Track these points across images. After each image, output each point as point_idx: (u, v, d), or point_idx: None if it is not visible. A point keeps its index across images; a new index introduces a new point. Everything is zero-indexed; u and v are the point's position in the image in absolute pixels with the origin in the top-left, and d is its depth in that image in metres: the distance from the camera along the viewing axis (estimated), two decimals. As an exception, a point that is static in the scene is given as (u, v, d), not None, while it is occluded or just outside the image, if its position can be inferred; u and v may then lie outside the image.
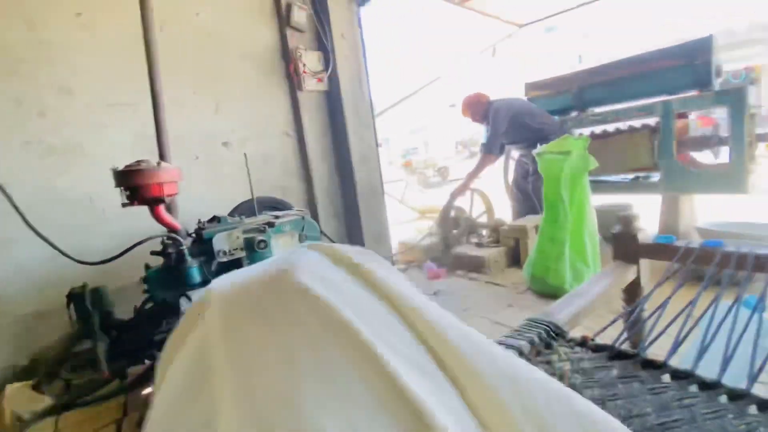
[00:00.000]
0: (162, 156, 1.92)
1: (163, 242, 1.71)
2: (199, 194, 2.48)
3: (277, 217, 1.84)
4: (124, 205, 1.55)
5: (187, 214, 2.35)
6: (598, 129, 3.19)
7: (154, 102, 1.89)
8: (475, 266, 2.96)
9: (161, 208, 1.64)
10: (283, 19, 2.74)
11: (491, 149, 3.21)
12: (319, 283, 0.44)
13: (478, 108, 3.30)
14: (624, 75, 2.98)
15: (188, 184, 2.41)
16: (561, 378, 0.76)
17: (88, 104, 2.17)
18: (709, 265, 1.05)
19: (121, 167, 1.53)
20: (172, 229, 1.72)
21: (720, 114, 4.20)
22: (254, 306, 0.43)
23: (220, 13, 2.54)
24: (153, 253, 1.74)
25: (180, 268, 1.66)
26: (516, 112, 3.08)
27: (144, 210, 1.61)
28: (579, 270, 2.27)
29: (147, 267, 1.74)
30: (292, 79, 2.82)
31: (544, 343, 0.88)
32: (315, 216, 2.92)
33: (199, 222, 1.76)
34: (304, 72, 2.77)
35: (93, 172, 2.16)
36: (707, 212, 3.83)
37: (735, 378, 0.98)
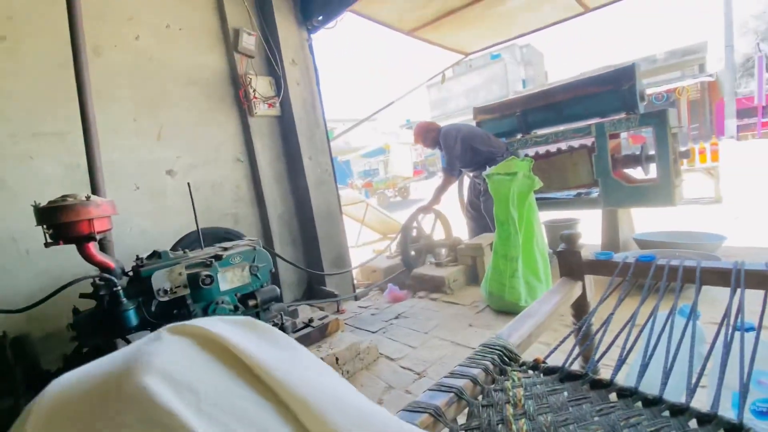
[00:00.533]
0: (95, 188, 1.78)
1: (94, 283, 1.56)
2: (139, 228, 2.32)
3: (225, 248, 1.74)
4: (47, 245, 1.40)
5: (127, 250, 2.19)
6: (542, 149, 3.38)
7: (86, 130, 1.76)
8: (435, 286, 2.97)
9: (92, 246, 1.50)
10: (231, 44, 2.70)
11: (452, 171, 3.35)
12: (166, 384, 0.35)
13: (429, 135, 3.44)
14: (561, 99, 3.21)
15: (127, 217, 2.25)
16: (515, 406, 0.76)
17: (11, 134, 1.99)
18: (645, 278, 1.11)
19: (44, 203, 1.39)
20: (105, 268, 1.57)
21: (648, 132, 4.64)
22: (79, 418, 0.34)
23: (162, 37, 2.46)
24: (83, 295, 1.58)
25: (114, 311, 1.51)
26: (464, 137, 3.22)
27: (75, 248, 1.46)
28: (532, 285, 2.34)
29: (76, 311, 1.57)
30: (243, 105, 2.76)
31: (499, 369, 0.87)
32: (270, 243, 2.82)
33: (137, 259, 1.63)
34: (255, 97, 2.73)
35: (16, 208, 1.95)
36: (644, 223, 4.16)
37: (677, 388, 1.03)
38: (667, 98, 15.92)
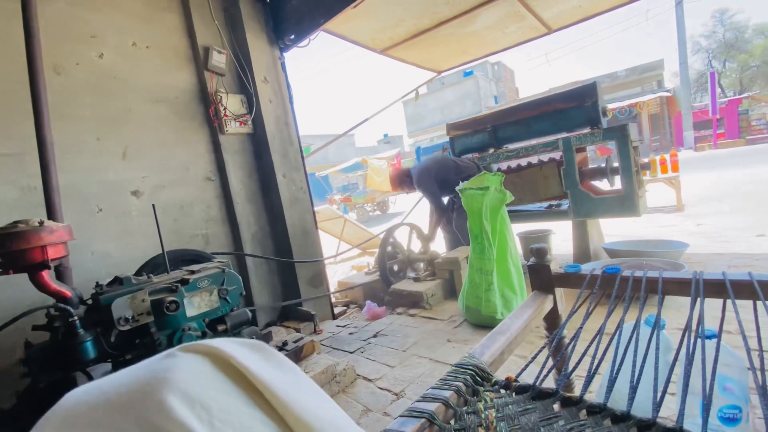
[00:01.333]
0: (51, 212, 1.69)
1: (48, 314, 1.46)
2: (102, 252, 2.21)
3: (192, 272, 1.67)
4: (-6, 274, 1.30)
5: (88, 276, 2.08)
6: (513, 163, 3.47)
7: (42, 151, 1.68)
8: (413, 302, 2.95)
9: (45, 274, 1.42)
10: (200, 62, 2.67)
11: (439, 207, 3.44)
12: (183, 399, 0.36)
13: (404, 180, 3.56)
14: (530, 115, 3.32)
15: (88, 241, 2.15)
16: (487, 428, 0.74)
17: (-42, 156, 1.87)
18: (612, 289, 1.14)
19: (-9, 230, 1.30)
20: (60, 297, 1.48)
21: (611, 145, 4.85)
22: (96, 429, 0.34)
23: (127, 54, 2.40)
24: (36, 327, 1.47)
25: (70, 343, 1.42)
26: (436, 175, 3.32)
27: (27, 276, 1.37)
28: (508, 298, 2.36)
29: (27, 345, 1.46)
30: (213, 123, 2.71)
31: (471, 390, 0.86)
32: (243, 264, 2.74)
33: (97, 286, 1.54)
34: (226, 115, 2.69)
35: (-39, 234, 1.82)
36: (613, 231, 4.31)
37: (647, 399, 1.04)
38: (630, 112, 16.80)
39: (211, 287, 1.69)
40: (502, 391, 0.87)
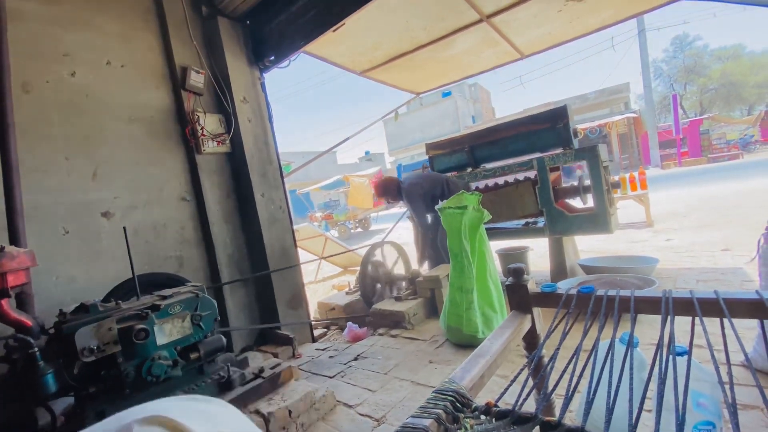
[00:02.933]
0: (13, 236, 1.60)
1: (6, 345, 1.37)
2: (67, 276, 2.10)
3: (164, 297, 1.61)
4: (-56, 305, 1.22)
5: (52, 302, 1.97)
6: (490, 182, 3.55)
7: (6, 173, 1.61)
8: (395, 322, 2.92)
9: (5, 303, 1.34)
10: (178, 81, 2.64)
11: (424, 226, 3.48)
12: None
13: (390, 189, 3.52)
14: (505, 136, 3.43)
15: (53, 265, 2.05)
16: (468, 457, 0.73)
17: None
18: (587, 309, 1.16)
19: (-56, 257, 1.22)
20: (20, 326, 1.39)
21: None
22: None
23: (101, 73, 2.36)
24: (-9, 360, 1.37)
25: (30, 376, 1.33)
26: (425, 192, 3.35)
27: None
28: (488, 316, 2.37)
29: (-20, 380, 1.36)
30: (190, 142, 2.67)
31: (451, 417, 0.85)
32: (218, 288, 2.66)
33: (60, 314, 1.46)
34: (203, 135, 2.66)
35: None
36: (587, 247, 4.43)
37: (621, 419, 1.04)
38: (600, 132, 17.57)
39: (184, 313, 1.62)
40: (482, 417, 0.86)
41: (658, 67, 32.73)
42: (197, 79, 2.67)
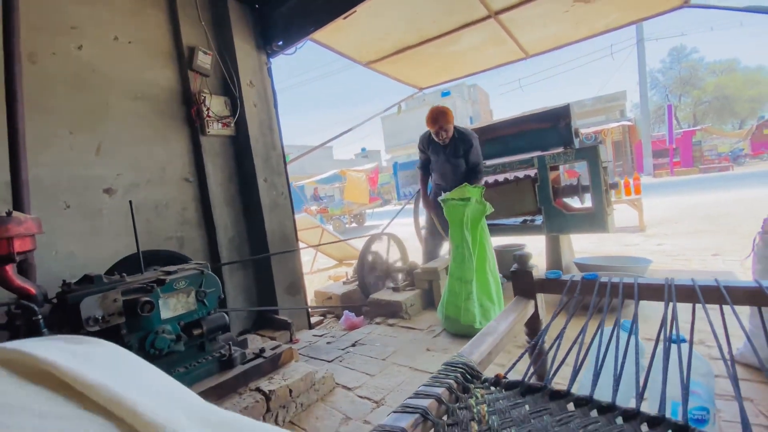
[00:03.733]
0: (18, 205, 1.59)
1: (9, 312, 1.36)
2: (66, 251, 2.09)
3: (168, 272, 1.61)
4: (-50, 266, 1.21)
5: (48, 276, 1.95)
6: (491, 179, 3.58)
7: (12, 141, 1.59)
8: (392, 311, 2.94)
9: (9, 269, 1.33)
10: (185, 61, 2.62)
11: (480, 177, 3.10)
12: None
13: (450, 121, 3.01)
14: (507, 133, 3.46)
15: (52, 239, 2.03)
16: (480, 422, 0.75)
17: None
18: (590, 295, 1.19)
19: (-49, 219, 1.21)
20: (24, 294, 1.38)
21: (580, 167, 5.10)
22: None
23: (108, 48, 2.33)
24: (-7, 327, 1.36)
25: (32, 343, 1.32)
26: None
27: (-16, 272, 1.28)
28: (486, 307, 2.40)
29: (-19, 346, 1.35)
30: (195, 123, 2.65)
31: (462, 387, 0.87)
32: (218, 269, 2.66)
33: (64, 284, 1.45)
34: (208, 116, 2.64)
35: None
36: (580, 248, 4.49)
37: (624, 395, 1.08)
38: (596, 138, 17.75)
39: (189, 289, 1.63)
40: (492, 387, 0.88)
41: (654, 77, 33.17)
42: (204, 60, 2.65)
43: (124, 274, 1.56)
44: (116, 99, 2.35)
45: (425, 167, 3.37)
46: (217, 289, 1.71)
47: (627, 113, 22.65)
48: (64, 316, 1.39)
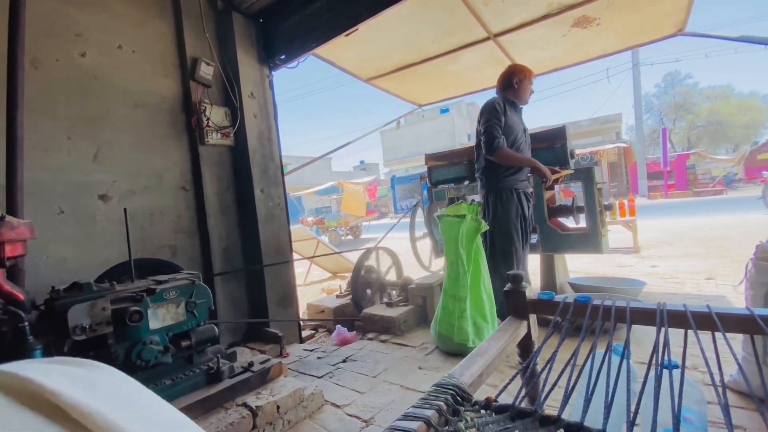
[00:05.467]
0: (12, 209, 1.58)
1: (-6, 318, 1.34)
2: (57, 257, 2.07)
3: (159, 282, 1.59)
4: (-61, 270, 1.19)
5: (38, 282, 1.93)
6: (487, 196, 3.60)
7: (10, 146, 1.59)
8: (385, 327, 2.92)
9: (0, 273, 1.30)
10: (187, 71, 2.65)
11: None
12: None
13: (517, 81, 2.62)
14: (505, 151, 3.49)
15: (44, 244, 2.01)
16: (469, 447, 0.74)
17: None
18: (583, 317, 1.19)
19: (-59, 222, 1.20)
20: (11, 299, 1.36)
21: (575, 186, 5.17)
22: None
23: (112, 56, 2.36)
24: (-24, 332, 1.34)
25: (17, 350, 1.29)
26: None
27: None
28: (479, 326, 2.38)
29: (-37, 352, 1.32)
30: (194, 132, 2.67)
31: (452, 409, 0.86)
32: (210, 279, 2.63)
33: (53, 290, 1.43)
34: (208, 126, 2.66)
35: None
36: (576, 269, 4.50)
37: (615, 423, 1.07)
38: (591, 158, 17.98)
39: (179, 299, 1.61)
40: (482, 411, 0.87)
41: (649, 101, 33.83)
42: (207, 70, 2.68)
43: (114, 282, 1.54)
44: (117, 106, 2.36)
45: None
46: (207, 300, 1.69)
47: (622, 135, 23.02)
48: (51, 323, 1.36)
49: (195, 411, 1.57)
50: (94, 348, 1.43)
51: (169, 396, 1.57)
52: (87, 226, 2.20)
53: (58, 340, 1.37)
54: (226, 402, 1.65)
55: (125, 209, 1.66)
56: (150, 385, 1.55)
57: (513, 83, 2.61)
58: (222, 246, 2.76)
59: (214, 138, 2.70)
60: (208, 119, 2.66)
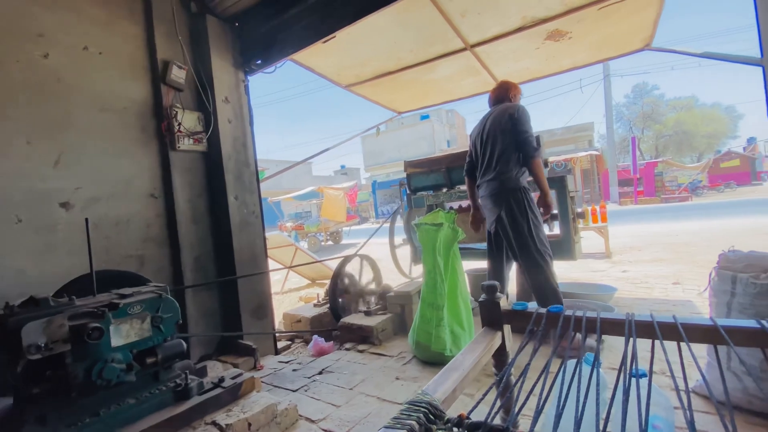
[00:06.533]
0: (-42, 219, 1.47)
1: (-64, 338, 1.24)
2: (15, 268, 1.95)
3: (123, 295, 1.52)
4: None
5: (-8, 295, 1.80)
6: (465, 203, 3.64)
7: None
8: (363, 336, 2.88)
9: (-60, 290, 1.21)
10: (158, 75, 2.57)
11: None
12: None
13: (513, 95, 2.69)
14: (482, 160, 3.54)
15: (0, 256, 1.88)
16: (440, 468, 0.72)
17: None
18: (556, 327, 1.20)
19: None
20: (-45, 318, 1.26)
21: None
22: None
23: (77, 58, 2.25)
24: None
25: (-40, 373, 1.20)
26: None
27: None
28: (457, 334, 2.39)
29: None
30: (165, 138, 2.58)
31: (424, 428, 0.84)
32: (181, 291, 2.53)
33: (6, 307, 1.34)
34: (179, 131, 2.58)
35: None
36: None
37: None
38: (565, 166, 18.52)
39: (144, 314, 1.53)
40: (455, 429, 0.86)
41: (619, 110, 35.22)
42: (179, 74, 2.61)
43: (74, 297, 1.45)
44: (81, 110, 2.26)
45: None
46: (175, 314, 1.62)
47: (595, 143, 23.88)
48: (3, 342, 1.27)
49: (161, 431, 1.50)
50: (50, 368, 1.34)
51: (133, 416, 1.49)
52: (47, 236, 2.08)
53: (13, 360, 1.28)
54: (194, 421, 1.58)
55: (86, 219, 1.57)
56: (112, 406, 1.47)
57: (509, 97, 2.67)
58: (193, 255, 2.67)
59: (185, 143, 2.62)
60: (179, 124, 2.58)
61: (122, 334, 1.46)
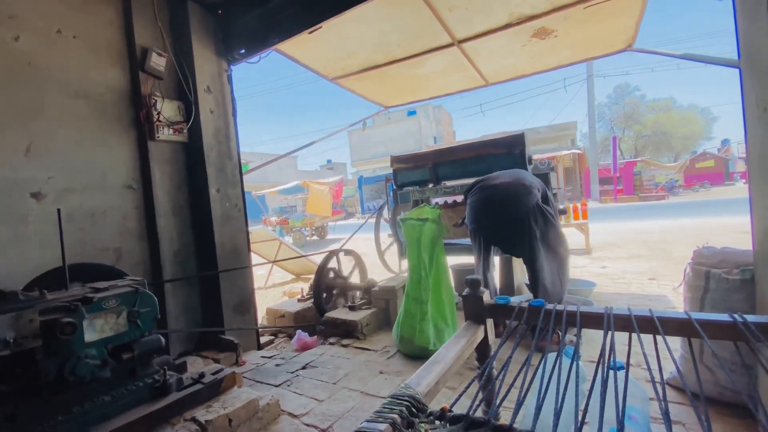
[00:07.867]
0: None
1: None
2: (-19, 260, 1.85)
3: (97, 289, 1.46)
4: None
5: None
6: (450, 199, 3.65)
7: None
8: (347, 331, 2.87)
9: None
10: (136, 62, 2.48)
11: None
12: None
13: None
14: (466, 156, 3.56)
15: (-37, 247, 1.79)
16: (422, 461, 0.72)
17: None
18: (537, 321, 1.21)
19: None
20: None
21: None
22: None
23: (49, 42, 2.15)
24: None
25: None
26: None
27: None
28: (440, 329, 2.40)
29: None
30: (143, 127, 2.49)
31: (406, 421, 0.84)
32: (160, 285, 2.47)
33: (-30, 300, 1.27)
34: (158, 120, 2.50)
35: None
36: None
37: (567, 422, 1.09)
38: (549, 164, 18.84)
39: (120, 308, 1.49)
40: (437, 422, 0.86)
41: (601, 110, 35.96)
42: (158, 61, 2.52)
43: (45, 291, 1.40)
44: (53, 96, 2.16)
45: None
46: (153, 308, 1.58)
47: (577, 142, 24.36)
48: (-36, 338, 1.21)
49: (138, 428, 1.46)
50: (20, 365, 1.29)
51: (108, 414, 1.45)
52: (17, 228, 1.99)
53: (-26, 357, 1.22)
54: (173, 417, 1.55)
55: (59, 210, 1.51)
56: (86, 403, 1.43)
57: None
58: (173, 249, 2.60)
59: (165, 133, 2.54)
60: (159, 113, 2.50)
61: (96, 329, 1.41)
